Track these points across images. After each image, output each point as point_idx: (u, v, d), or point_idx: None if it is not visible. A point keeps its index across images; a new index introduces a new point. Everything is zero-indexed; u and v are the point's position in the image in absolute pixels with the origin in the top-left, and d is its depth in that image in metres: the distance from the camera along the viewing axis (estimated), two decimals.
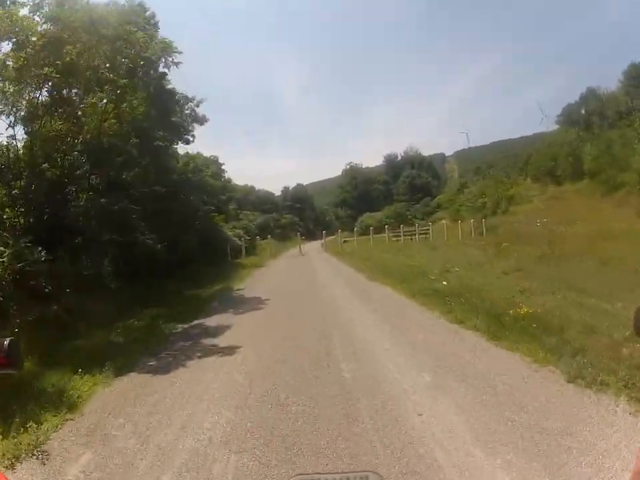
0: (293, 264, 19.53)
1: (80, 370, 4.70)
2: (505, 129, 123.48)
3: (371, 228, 25.41)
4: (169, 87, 13.81)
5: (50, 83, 8.15)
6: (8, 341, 1.02)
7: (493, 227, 21.08)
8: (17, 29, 7.18)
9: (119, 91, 9.23)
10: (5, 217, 7.45)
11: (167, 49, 9.82)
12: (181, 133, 15.53)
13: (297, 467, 2.71)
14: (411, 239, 24.08)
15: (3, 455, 3.01)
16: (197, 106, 16.37)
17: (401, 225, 27.51)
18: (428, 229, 24.11)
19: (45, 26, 7.70)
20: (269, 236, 25.84)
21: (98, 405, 4.09)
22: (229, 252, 20.15)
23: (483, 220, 21.93)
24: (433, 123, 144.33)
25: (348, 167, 62.56)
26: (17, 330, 5.08)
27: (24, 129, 8.54)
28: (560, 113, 44.84)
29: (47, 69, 7.46)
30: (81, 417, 3.81)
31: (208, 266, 15.25)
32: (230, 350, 5.68)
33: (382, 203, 55.48)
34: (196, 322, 7.99)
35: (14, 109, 8.21)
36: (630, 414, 2.98)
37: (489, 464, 2.58)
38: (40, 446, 3.18)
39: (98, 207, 8.90)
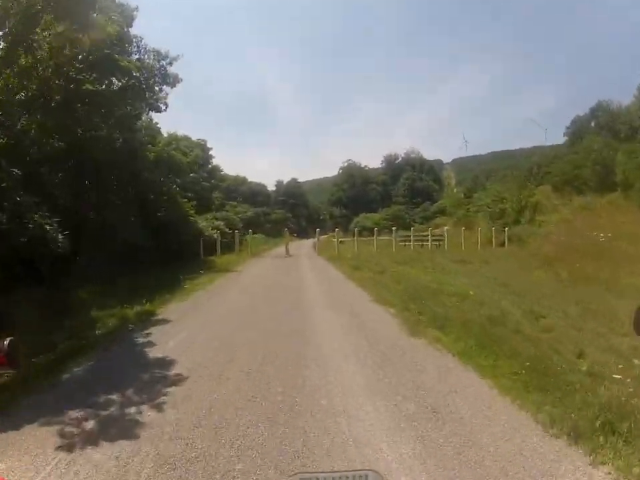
0: (272, 274, 13.83)
1: None
2: (502, 139, 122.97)
3: (375, 229, 22.31)
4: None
5: None
6: (8, 341, 1.06)
7: (518, 237, 18.59)
8: None
9: None
10: None
11: None
12: (142, 91, 12.09)
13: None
14: (421, 245, 21.16)
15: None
16: (170, 64, 12.71)
17: (411, 228, 24.74)
18: (442, 236, 20.97)
19: None
20: (250, 231, 22.24)
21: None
22: (201, 248, 16.60)
23: (506, 228, 19.39)
24: (429, 129, 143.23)
25: (346, 163, 59.81)
26: None
27: None
28: (569, 125, 43.25)
29: None
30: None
31: (164, 265, 11.84)
32: None
33: (379, 204, 52.91)
34: None
35: None
36: None
37: None
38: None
39: None
